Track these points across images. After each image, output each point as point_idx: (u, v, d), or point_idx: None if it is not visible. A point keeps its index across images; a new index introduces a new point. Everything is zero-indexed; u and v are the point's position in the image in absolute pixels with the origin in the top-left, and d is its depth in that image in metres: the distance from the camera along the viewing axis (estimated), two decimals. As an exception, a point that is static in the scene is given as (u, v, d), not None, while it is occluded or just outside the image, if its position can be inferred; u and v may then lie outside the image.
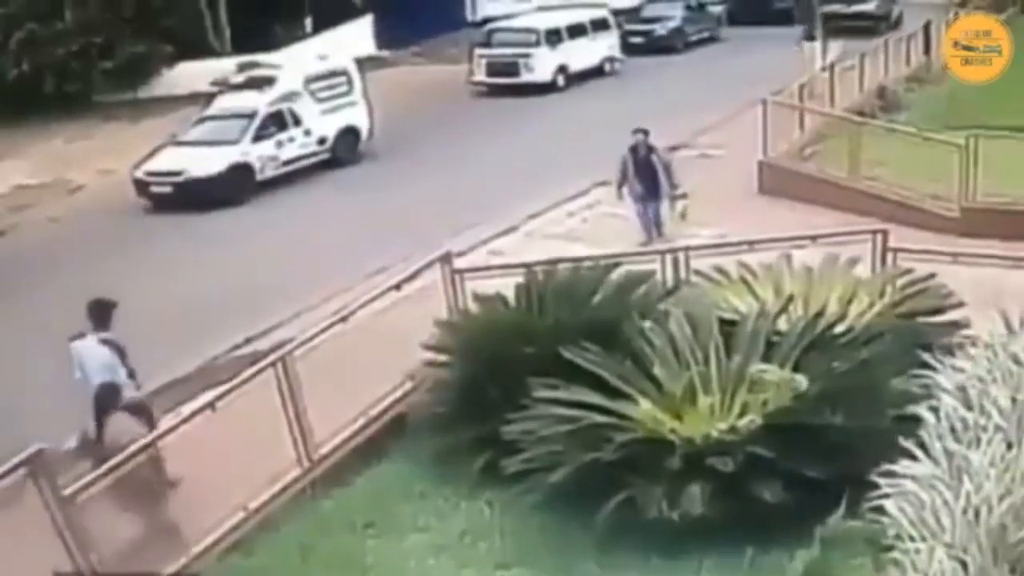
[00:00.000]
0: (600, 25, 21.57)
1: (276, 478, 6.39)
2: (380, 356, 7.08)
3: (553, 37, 20.66)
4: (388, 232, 11.84)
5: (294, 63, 17.02)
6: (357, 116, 16.14)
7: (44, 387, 8.02)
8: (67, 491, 5.42)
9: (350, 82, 16.27)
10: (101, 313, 7.20)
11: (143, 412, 7.16)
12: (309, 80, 15.79)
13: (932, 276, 7.14)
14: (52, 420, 7.25)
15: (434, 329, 7.16)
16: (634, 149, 11.29)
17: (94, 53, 20.08)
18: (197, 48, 20.85)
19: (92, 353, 7.11)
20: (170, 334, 9.74)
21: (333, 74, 16.17)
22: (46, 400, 7.83)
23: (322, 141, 15.57)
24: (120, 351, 7.14)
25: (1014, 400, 4.79)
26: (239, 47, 20.43)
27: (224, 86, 16.00)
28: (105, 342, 7.12)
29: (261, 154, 14.80)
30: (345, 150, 15.82)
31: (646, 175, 11.26)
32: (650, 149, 11.35)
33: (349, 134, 15.95)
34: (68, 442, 6.97)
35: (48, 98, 19.46)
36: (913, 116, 15.19)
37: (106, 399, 7.07)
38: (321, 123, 15.59)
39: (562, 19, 21.10)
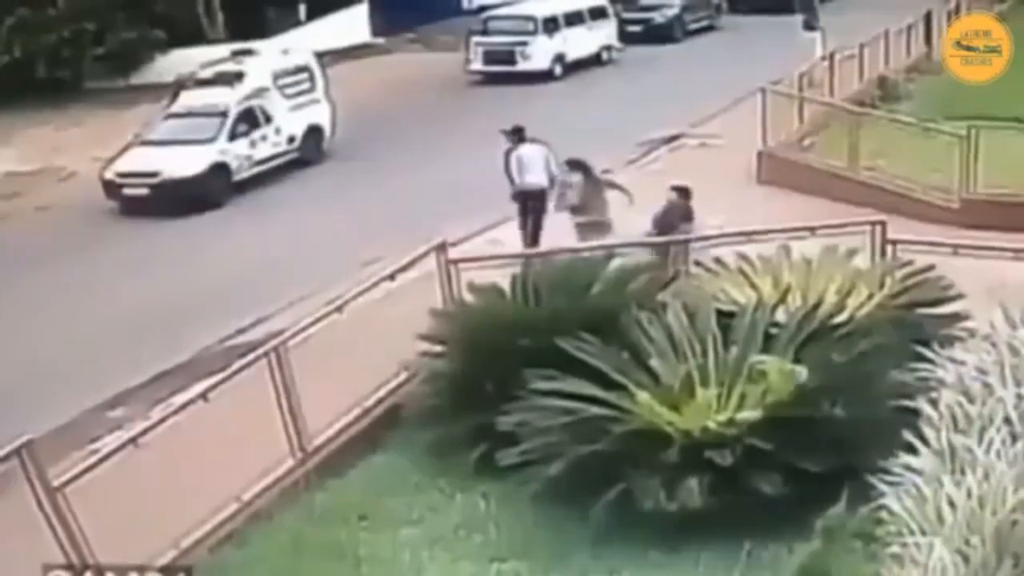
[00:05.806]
0: (598, 13, 21.40)
1: (269, 469, 6.33)
2: (375, 347, 7.01)
3: (550, 25, 20.48)
4: (380, 225, 11.67)
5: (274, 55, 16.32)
6: (321, 114, 15.63)
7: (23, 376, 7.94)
8: (56, 482, 5.35)
9: (313, 78, 15.79)
10: (517, 133, 10.37)
11: (542, 204, 9.97)
12: (277, 75, 15.29)
13: (932, 268, 7.08)
14: (29, 408, 7.18)
15: (429, 320, 7.10)
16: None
17: (86, 39, 19.87)
18: (190, 34, 20.65)
19: (531, 152, 10.18)
20: (165, 325, 9.65)
21: (298, 69, 15.68)
22: (29, 390, 7.75)
23: (291, 140, 15.06)
24: (549, 147, 10.22)
25: (1019, 396, 4.73)
26: (232, 34, 20.25)
27: (189, 81, 15.39)
28: (534, 140, 10.33)
29: (237, 153, 14.21)
30: (311, 149, 15.29)
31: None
32: (585, 170, 9.84)
33: (315, 132, 15.44)
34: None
35: (39, 84, 19.26)
36: (913, 106, 15.05)
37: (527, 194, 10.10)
38: (290, 121, 15.08)
39: (559, 7, 20.90)
